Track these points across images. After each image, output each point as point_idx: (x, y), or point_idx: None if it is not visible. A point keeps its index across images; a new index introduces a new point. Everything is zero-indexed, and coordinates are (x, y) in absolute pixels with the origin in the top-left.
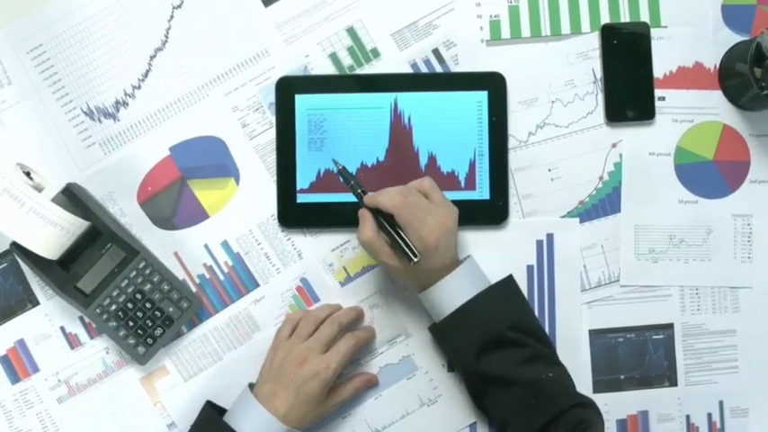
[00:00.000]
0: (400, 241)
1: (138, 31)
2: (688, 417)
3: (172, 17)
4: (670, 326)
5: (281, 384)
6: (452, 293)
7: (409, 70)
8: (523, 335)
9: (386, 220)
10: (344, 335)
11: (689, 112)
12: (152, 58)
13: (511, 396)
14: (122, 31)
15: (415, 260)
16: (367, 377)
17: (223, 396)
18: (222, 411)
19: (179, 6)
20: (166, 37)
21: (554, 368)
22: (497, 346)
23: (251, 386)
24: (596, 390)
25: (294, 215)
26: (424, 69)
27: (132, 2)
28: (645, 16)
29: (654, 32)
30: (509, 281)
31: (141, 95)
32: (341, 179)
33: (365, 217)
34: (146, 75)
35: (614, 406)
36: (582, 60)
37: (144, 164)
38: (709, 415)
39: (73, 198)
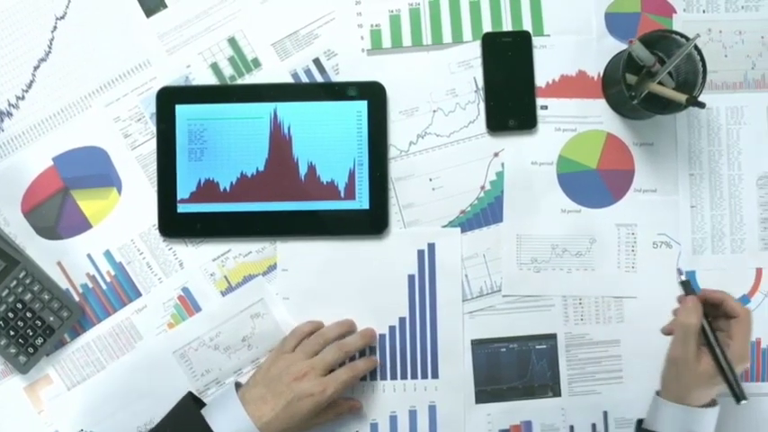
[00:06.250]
0: (721, 358)
1: (21, 41)
2: (572, 427)
3: (55, 28)
4: (553, 336)
5: (273, 393)
6: (702, 426)
7: (290, 80)
8: None
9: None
10: (348, 363)
11: (572, 121)
12: (36, 68)
13: None
14: (6, 42)
15: (743, 401)
16: (351, 403)
17: (108, 404)
18: (201, 404)
19: (62, 17)
20: (50, 48)
21: None
22: None
23: (237, 386)
24: (479, 400)
25: (175, 225)
26: (305, 79)
27: (16, 13)
28: (527, 25)
29: (536, 41)
30: None
31: (25, 106)
32: (682, 288)
33: (694, 303)
34: (29, 85)
35: (497, 416)
36: (463, 69)
37: (28, 174)
38: (594, 425)
39: None
